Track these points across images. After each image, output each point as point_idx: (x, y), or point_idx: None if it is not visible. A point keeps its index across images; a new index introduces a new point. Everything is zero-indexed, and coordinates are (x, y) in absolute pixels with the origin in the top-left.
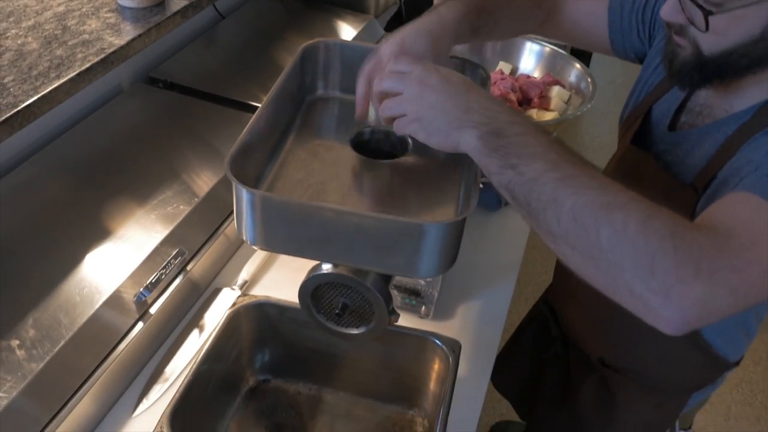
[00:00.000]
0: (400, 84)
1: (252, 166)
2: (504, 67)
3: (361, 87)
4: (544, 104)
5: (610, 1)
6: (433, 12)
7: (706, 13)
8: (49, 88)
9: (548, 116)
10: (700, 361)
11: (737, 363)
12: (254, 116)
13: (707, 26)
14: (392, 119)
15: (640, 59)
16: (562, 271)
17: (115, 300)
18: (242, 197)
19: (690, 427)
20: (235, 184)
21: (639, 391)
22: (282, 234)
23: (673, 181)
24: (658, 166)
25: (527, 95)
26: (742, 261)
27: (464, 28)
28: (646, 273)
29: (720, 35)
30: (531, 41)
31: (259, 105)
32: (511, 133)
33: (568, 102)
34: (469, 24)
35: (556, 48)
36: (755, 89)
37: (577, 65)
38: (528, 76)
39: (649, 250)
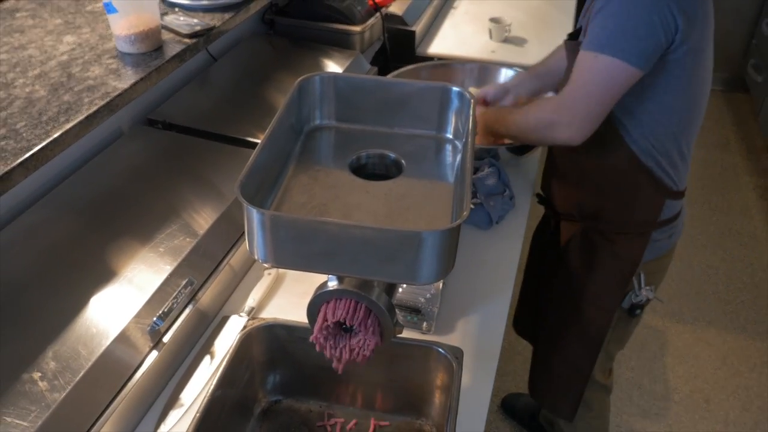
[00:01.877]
0: None
1: (259, 192)
2: (474, 92)
3: None
4: None
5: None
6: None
7: None
8: (60, 132)
9: None
10: (645, 186)
11: (677, 194)
12: (258, 146)
13: None
14: None
15: None
16: (547, 163)
17: (130, 330)
18: (253, 218)
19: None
20: (246, 206)
21: (610, 233)
22: (291, 250)
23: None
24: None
25: None
26: (572, 104)
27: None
28: (548, 133)
29: None
30: (506, 68)
31: (254, 140)
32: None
33: None
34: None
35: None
36: None
37: None
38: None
39: (539, 121)
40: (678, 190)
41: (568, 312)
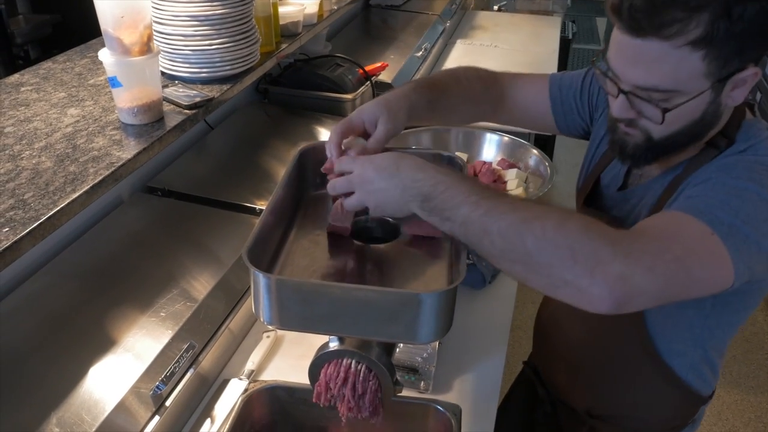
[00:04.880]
0: (348, 184)
1: (264, 257)
2: (461, 155)
3: (331, 150)
4: (501, 188)
5: (550, 87)
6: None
7: (664, 111)
8: (67, 201)
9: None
10: (677, 397)
11: (709, 398)
12: (263, 214)
13: (663, 120)
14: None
15: (585, 134)
16: (542, 333)
17: (133, 395)
18: (259, 282)
19: None
20: (253, 271)
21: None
22: (296, 313)
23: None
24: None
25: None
26: (653, 246)
27: (418, 97)
28: (571, 263)
29: (670, 124)
30: (490, 132)
31: (251, 205)
32: (437, 194)
33: (526, 182)
34: (421, 95)
35: (514, 138)
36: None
37: (535, 151)
38: (484, 163)
39: (568, 244)
40: (708, 395)
41: None
